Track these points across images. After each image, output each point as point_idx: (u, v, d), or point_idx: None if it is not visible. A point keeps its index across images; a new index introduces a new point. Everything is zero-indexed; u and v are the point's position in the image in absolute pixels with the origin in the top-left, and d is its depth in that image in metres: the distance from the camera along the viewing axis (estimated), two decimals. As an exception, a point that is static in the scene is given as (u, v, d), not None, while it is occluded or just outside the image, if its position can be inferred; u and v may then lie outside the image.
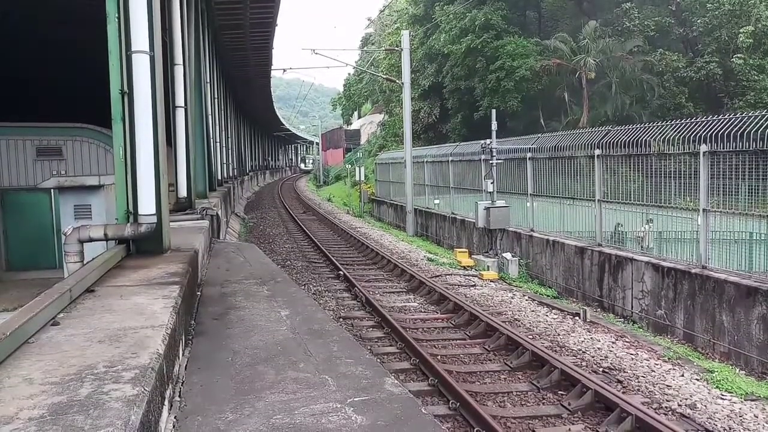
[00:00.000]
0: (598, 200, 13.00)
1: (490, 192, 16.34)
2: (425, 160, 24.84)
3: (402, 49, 25.64)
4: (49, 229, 13.03)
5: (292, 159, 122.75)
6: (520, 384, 7.48)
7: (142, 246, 5.82)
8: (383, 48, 46.18)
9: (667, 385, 7.38)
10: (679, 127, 10.98)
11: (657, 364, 8.18)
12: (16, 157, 12.98)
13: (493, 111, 17.59)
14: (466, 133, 34.14)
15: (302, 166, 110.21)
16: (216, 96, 21.12)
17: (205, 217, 10.38)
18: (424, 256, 17.24)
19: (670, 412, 6.60)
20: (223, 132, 24.65)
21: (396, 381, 3.75)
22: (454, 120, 37.50)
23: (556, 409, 6.69)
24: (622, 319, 11.47)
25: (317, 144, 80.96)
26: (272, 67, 31.32)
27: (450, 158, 21.95)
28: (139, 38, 5.65)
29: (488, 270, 14.97)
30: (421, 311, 11.11)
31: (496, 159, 16.35)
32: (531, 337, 9.21)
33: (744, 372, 8.64)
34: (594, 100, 30.74)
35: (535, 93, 32.44)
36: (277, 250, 18.38)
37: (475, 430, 6.07)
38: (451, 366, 7.98)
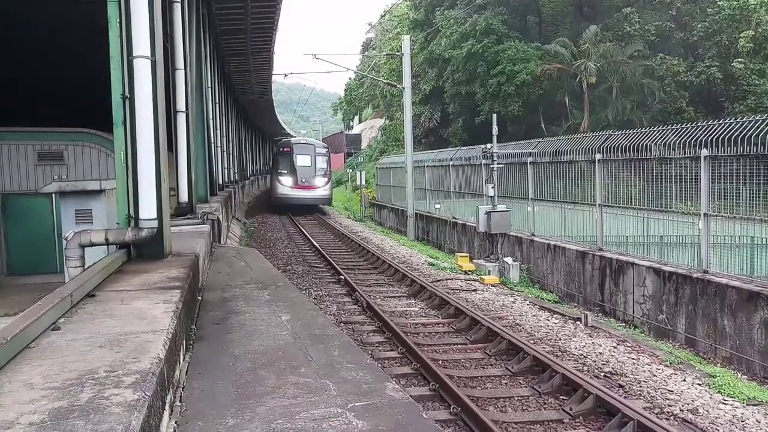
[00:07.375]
0: (599, 204, 13.00)
1: (491, 196, 16.35)
2: (426, 164, 24.85)
3: (403, 54, 25.70)
4: (50, 233, 13.06)
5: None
6: (522, 389, 7.45)
7: (143, 251, 5.81)
8: (384, 53, 46.29)
9: (669, 390, 7.35)
10: (680, 131, 10.99)
11: (659, 369, 8.15)
12: (18, 162, 13.02)
13: (494, 115, 17.61)
14: (467, 138, 34.21)
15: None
16: (217, 101, 21.14)
17: (206, 221, 10.35)
18: (425, 261, 17.21)
19: (671, 417, 6.58)
20: (225, 137, 24.65)
21: (397, 386, 3.73)
22: (455, 124, 37.55)
23: (558, 414, 6.67)
24: (624, 324, 11.45)
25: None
26: (273, 72, 31.36)
27: (451, 163, 21.96)
28: (141, 43, 5.66)
29: (489, 274, 14.94)
30: (422, 316, 11.08)
31: (497, 163, 16.36)
32: (532, 341, 9.18)
33: (746, 377, 8.63)
34: (595, 105, 30.78)
35: (536, 97, 32.51)
36: (278, 255, 18.36)
37: (477, 435, 6.05)
38: (452, 371, 7.96)
